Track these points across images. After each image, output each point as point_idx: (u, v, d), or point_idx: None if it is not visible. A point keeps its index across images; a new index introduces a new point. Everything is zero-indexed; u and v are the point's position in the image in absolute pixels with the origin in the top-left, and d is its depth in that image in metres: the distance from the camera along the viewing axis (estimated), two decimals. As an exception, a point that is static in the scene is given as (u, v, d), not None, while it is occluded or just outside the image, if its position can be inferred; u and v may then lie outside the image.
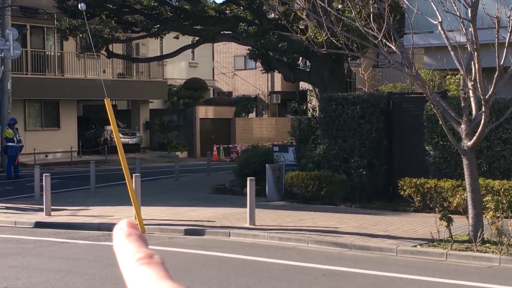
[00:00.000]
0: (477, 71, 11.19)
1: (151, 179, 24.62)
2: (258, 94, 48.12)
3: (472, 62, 11.38)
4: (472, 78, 11.45)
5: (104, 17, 25.30)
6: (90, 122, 37.19)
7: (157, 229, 14.00)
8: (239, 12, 24.84)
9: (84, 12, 16.35)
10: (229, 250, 11.92)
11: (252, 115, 46.06)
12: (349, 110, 17.16)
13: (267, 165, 18.05)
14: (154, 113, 40.69)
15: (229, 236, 13.32)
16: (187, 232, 13.71)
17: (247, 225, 13.89)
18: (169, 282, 0.88)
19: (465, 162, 11.63)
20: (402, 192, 15.45)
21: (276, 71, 26.13)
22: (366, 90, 30.03)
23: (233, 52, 48.26)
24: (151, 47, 38.66)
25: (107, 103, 13.36)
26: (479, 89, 11.24)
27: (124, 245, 0.91)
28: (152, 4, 24.96)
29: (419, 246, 11.56)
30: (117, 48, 32.34)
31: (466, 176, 11.64)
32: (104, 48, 25.22)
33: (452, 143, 12.71)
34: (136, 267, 0.89)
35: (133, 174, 14.60)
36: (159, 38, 30.24)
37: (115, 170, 25.33)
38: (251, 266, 10.62)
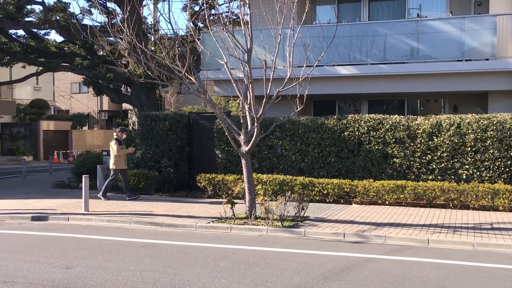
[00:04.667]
0: (251, 98, 11.63)
1: (1, 178, 22.74)
2: (90, 112, 46.41)
3: (248, 92, 11.82)
4: (248, 103, 11.89)
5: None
6: None
7: (8, 217, 12.96)
8: (75, 49, 23.89)
9: None
10: (69, 231, 11.37)
11: (85, 128, 44.37)
12: (160, 125, 17.05)
13: (98, 165, 17.43)
14: (5, 126, 38.13)
15: (68, 220, 12.69)
16: (34, 219, 12.83)
17: (83, 211, 13.32)
18: None
19: (243, 162, 12.01)
20: (199, 184, 15.66)
21: (104, 94, 25.31)
22: (172, 110, 30.01)
23: (70, 79, 46.26)
24: (1, 73, 36.01)
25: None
26: (253, 110, 11.69)
27: None
28: (3, 40, 23.30)
29: (211, 223, 11.75)
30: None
31: (244, 172, 12.02)
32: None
33: (234, 148, 13.10)
34: None
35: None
36: (9, 67, 28.20)
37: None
38: (86, 242, 10.20)
